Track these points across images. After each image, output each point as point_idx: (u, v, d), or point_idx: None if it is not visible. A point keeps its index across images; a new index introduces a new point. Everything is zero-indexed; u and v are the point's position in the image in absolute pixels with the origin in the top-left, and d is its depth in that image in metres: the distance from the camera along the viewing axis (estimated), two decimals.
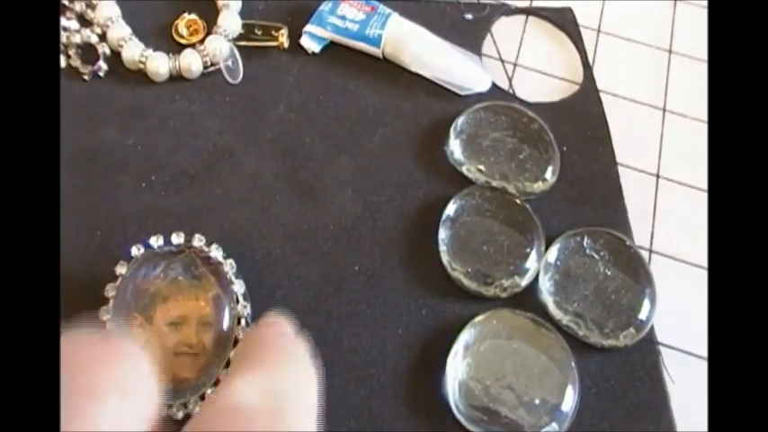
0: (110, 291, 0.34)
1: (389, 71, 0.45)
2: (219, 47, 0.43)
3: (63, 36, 0.43)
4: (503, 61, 0.47)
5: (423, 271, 0.38)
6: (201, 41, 0.44)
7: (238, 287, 0.35)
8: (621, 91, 0.46)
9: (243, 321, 0.34)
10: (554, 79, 0.46)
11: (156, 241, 0.35)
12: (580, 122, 0.44)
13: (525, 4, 0.49)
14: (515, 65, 0.47)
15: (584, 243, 0.39)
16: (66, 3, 0.44)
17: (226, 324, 0.34)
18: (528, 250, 0.38)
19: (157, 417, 0.27)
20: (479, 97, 0.44)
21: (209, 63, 0.43)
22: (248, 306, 0.35)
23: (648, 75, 0.47)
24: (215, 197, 0.40)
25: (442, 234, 0.39)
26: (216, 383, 0.33)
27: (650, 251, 0.41)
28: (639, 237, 0.41)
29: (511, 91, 0.45)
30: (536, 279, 0.38)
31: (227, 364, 0.34)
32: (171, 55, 0.43)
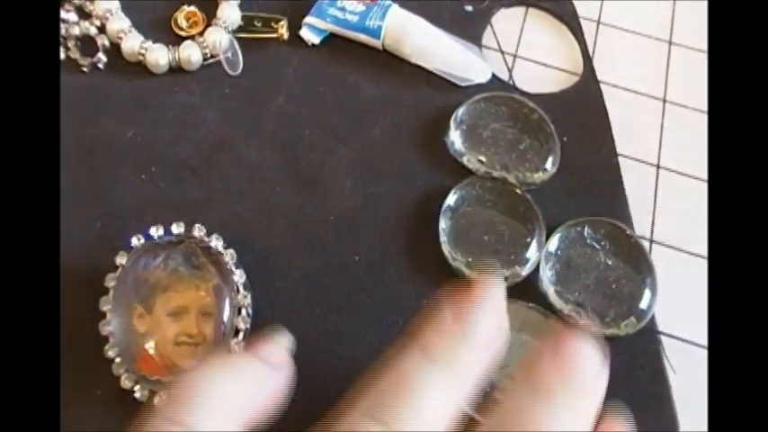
0: (110, 281, 0.34)
1: (389, 63, 0.45)
2: (219, 39, 0.43)
3: (62, 28, 0.43)
4: (503, 52, 0.47)
5: (423, 261, 0.38)
6: (201, 33, 0.44)
7: (239, 277, 0.35)
8: (621, 82, 0.46)
9: (243, 311, 0.34)
10: (554, 70, 0.46)
11: (156, 231, 0.35)
12: (580, 113, 0.44)
13: None
14: (515, 56, 0.47)
15: (585, 233, 0.39)
16: None
17: (226, 314, 0.34)
18: (528, 240, 0.38)
19: None
20: (479, 88, 0.44)
21: (208, 55, 0.43)
22: (249, 296, 0.35)
23: (648, 66, 0.47)
24: (215, 189, 0.40)
25: (443, 224, 0.38)
26: None
27: (651, 241, 0.41)
28: (640, 227, 0.41)
29: (511, 82, 0.45)
30: (537, 269, 0.38)
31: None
32: (170, 47, 0.43)
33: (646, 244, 0.40)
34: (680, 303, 0.38)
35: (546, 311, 0.37)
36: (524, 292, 0.38)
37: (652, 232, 0.41)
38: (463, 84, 0.44)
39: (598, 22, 0.49)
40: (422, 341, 0.25)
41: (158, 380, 0.33)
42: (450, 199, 0.39)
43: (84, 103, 0.42)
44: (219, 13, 0.44)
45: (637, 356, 0.37)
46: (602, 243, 0.39)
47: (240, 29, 0.45)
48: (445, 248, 0.38)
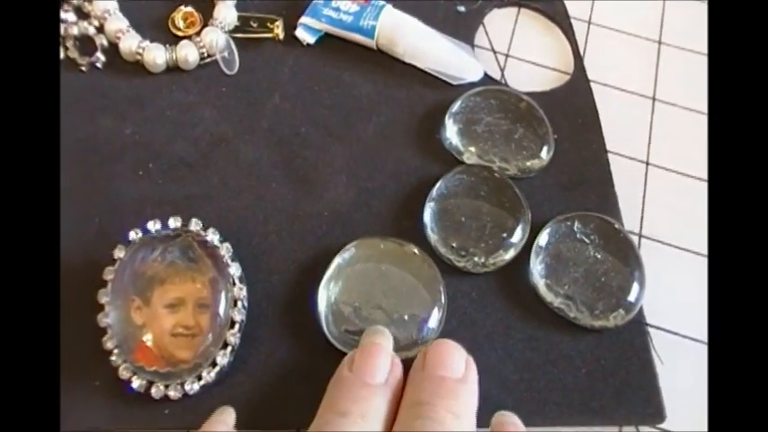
0: (108, 274, 0.35)
1: (383, 62, 0.45)
2: (216, 38, 0.44)
3: (61, 28, 0.44)
4: (495, 52, 0.47)
5: None
6: (198, 33, 0.45)
7: (234, 270, 0.35)
8: (612, 81, 0.47)
9: (239, 303, 0.35)
10: (545, 69, 0.47)
11: (153, 226, 0.36)
12: (571, 111, 0.45)
13: None
14: (507, 55, 0.47)
15: (575, 227, 0.40)
16: None
17: (222, 306, 0.34)
18: (513, 225, 0.39)
19: None
20: (472, 87, 0.44)
21: (205, 54, 0.44)
22: (244, 289, 0.35)
23: (638, 65, 0.48)
24: (212, 185, 0.40)
25: (428, 210, 0.40)
26: (213, 364, 0.34)
27: (640, 235, 0.41)
28: (629, 222, 0.41)
29: (503, 81, 0.46)
30: (527, 260, 0.39)
31: (224, 345, 0.34)
32: (168, 46, 0.44)
33: (635, 239, 0.41)
34: (667, 296, 0.39)
35: (402, 241, 0.38)
36: (515, 283, 0.39)
37: (641, 227, 0.42)
38: (456, 82, 0.45)
39: (589, 23, 0.49)
40: (327, 399, 0.30)
41: (156, 371, 0.34)
42: (436, 187, 0.40)
43: (82, 101, 0.43)
44: (216, 13, 0.45)
45: (625, 347, 0.37)
46: (592, 237, 0.39)
47: (236, 29, 0.46)
48: (431, 235, 0.39)
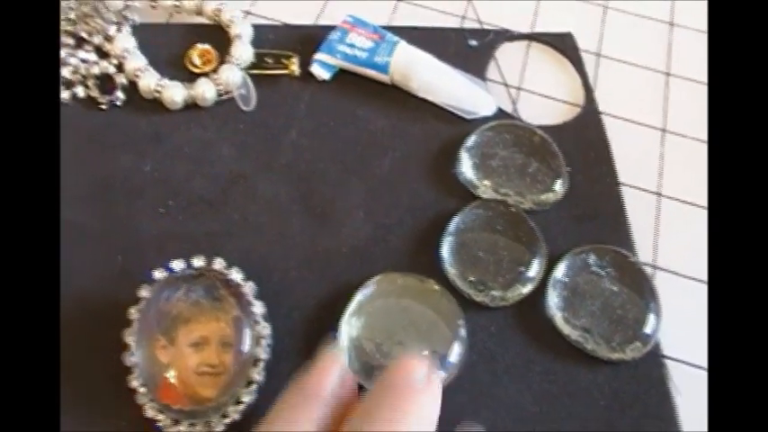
0: (133, 313, 0.36)
1: (397, 97, 0.46)
2: (232, 75, 0.45)
3: (82, 68, 0.45)
4: (507, 86, 0.48)
5: None
6: (215, 70, 0.46)
7: (258, 308, 0.36)
8: (622, 113, 0.48)
9: (263, 341, 0.35)
10: (556, 102, 0.48)
11: (177, 265, 0.36)
12: (583, 144, 0.45)
13: (527, 30, 0.51)
14: (519, 89, 0.48)
15: (591, 260, 0.40)
16: (85, 36, 0.46)
17: (246, 344, 0.35)
18: (529, 259, 0.40)
19: None
20: (485, 121, 0.45)
21: (222, 91, 0.45)
22: (268, 327, 0.36)
23: (647, 97, 0.49)
24: (232, 222, 0.41)
25: (445, 245, 0.40)
26: (237, 402, 0.34)
27: (654, 267, 0.42)
28: (643, 253, 0.42)
29: (515, 114, 0.47)
30: (544, 293, 0.39)
31: (249, 383, 0.35)
32: (185, 84, 0.44)
33: (649, 270, 0.41)
34: (684, 328, 0.39)
35: (422, 277, 0.39)
36: (532, 317, 0.39)
37: (655, 258, 0.42)
38: (469, 117, 0.45)
39: (598, 55, 0.50)
40: (271, 413, 0.29)
41: (181, 409, 0.34)
42: (453, 221, 0.41)
43: (102, 139, 0.43)
44: (232, 50, 0.46)
45: (643, 380, 0.38)
46: (607, 270, 0.40)
47: (252, 65, 0.46)
48: (449, 270, 0.40)
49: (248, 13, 0.50)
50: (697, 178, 0.45)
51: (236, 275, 0.36)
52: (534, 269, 0.40)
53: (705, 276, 0.42)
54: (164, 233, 0.40)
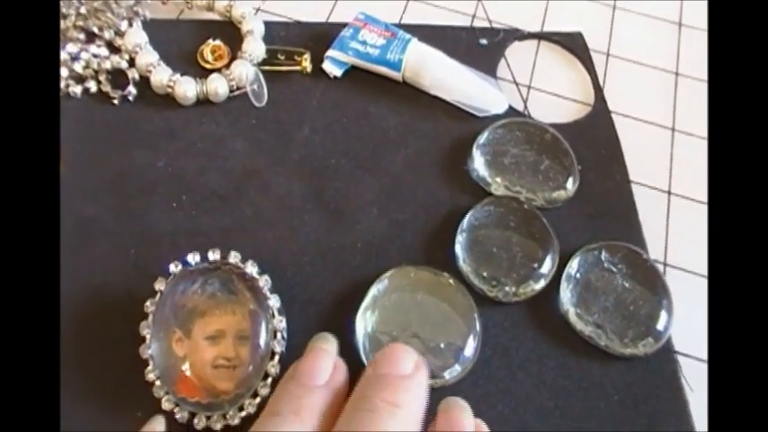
0: (149, 306, 0.36)
1: (409, 94, 0.46)
2: (245, 71, 0.45)
3: (94, 62, 0.45)
4: (517, 84, 0.48)
5: None
6: (227, 66, 0.46)
7: (274, 302, 0.36)
8: (631, 112, 0.48)
9: (279, 335, 0.36)
10: (567, 101, 0.48)
11: (193, 258, 0.36)
12: (594, 142, 0.46)
13: (537, 30, 0.51)
14: (529, 87, 0.48)
15: (603, 257, 0.40)
16: (97, 31, 0.46)
17: (262, 338, 0.35)
18: (542, 255, 0.40)
19: None
20: (496, 119, 0.45)
21: (234, 87, 0.45)
22: (284, 320, 0.36)
23: (657, 96, 0.49)
24: (245, 217, 0.41)
25: (459, 240, 0.40)
26: (254, 396, 0.34)
27: (665, 264, 0.42)
28: (654, 250, 0.42)
29: (526, 112, 0.47)
30: (557, 289, 0.40)
31: (265, 376, 0.35)
32: (198, 79, 0.45)
33: (660, 267, 0.42)
34: (695, 324, 0.40)
35: (436, 270, 0.39)
36: (545, 313, 0.39)
37: (666, 256, 0.42)
38: (481, 114, 0.46)
39: (608, 55, 0.51)
40: (268, 404, 0.30)
41: (198, 402, 0.34)
42: (466, 218, 0.41)
43: (115, 134, 0.43)
44: (245, 46, 0.46)
45: (656, 375, 0.38)
46: (619, 266, 0.40)
47: (264, 62, 0.46)
48: (463, 266, 0.40)
49: (259, 9, 0.50)
50: (706, 177, 0.45)
51: (251, 269, 0.36)
52: (547, 265, 0.40)
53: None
54: (177, 228, 0.40)
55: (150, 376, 0.35)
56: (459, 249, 0.40)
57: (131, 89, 0.45)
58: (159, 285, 0.36)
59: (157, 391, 0.34)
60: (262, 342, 0.35)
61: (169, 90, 0.44)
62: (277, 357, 0.35)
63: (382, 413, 0.28)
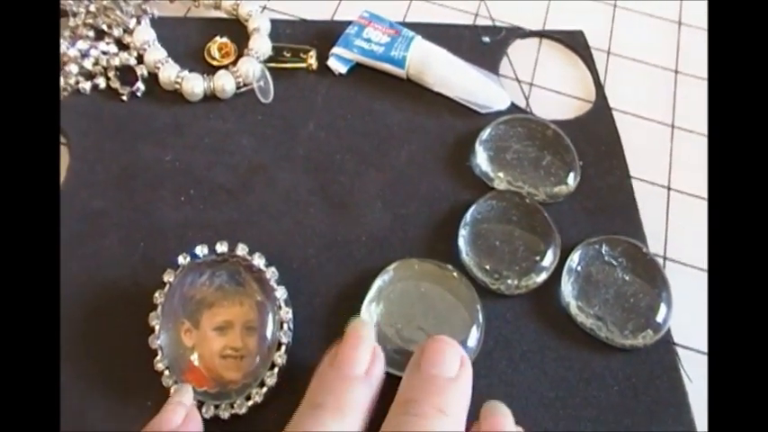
0: (158, 297, 0.36)
1: (413, 91, 0.47)
2: (251, 68, 0.45)
3: (103, 59, 0.45)
4: (519, 81, 0.49)
5: None
6: (234, 63, 0.46)
7: (281, 293, 0.37)
8: (632, 109, 0.48)
9: (285, 326, 0.36)
10: (568, 98, 0.49)
11: (201, 250, 0.37)
12: (594, 139, 0.46)
13: (539, 28, 0.52)
14: (531, 84, 0.49)
15: (603, 250, 0.41)
16: (105, 29, 0.47)
17: (269, 328, 0.36)
18: (544, 248, 0.41)
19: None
20: (498, 115, 0.46)
21: (241, 84, 0.46)
22: (290, 311, 0.37)
23: (656, 93, 0.50)
24: (252, 211, 0.42)
25: (462, 234, 0.41)
26: (261, 385, 0.35)
27: (664, 258, 0.43)
28: (653, 245, 0.43)
29: (528, 109, 0.47)
30: (558, 282, 0.40)
31: (272, 366, 0.35)
32: (205, 76, 0.45)
33: (660, 261, 0.42)
34: (693, 316, 0.40)
35: (440, 263, 0.39)
36: (547, 305, 0.40)
37: (665, 250, 0.43)
38: (483, 111, 0.46)
39: (608, 53, 0.51)
40: (307, 393, 0.31)
41: (206, 391, 0.35)
42: (469, 212, 0.42)
43: (124, 129, 0.44)
44: (251, 43, 0.47)
45: (655, 366, 0.39)
46: (620, 260, 0.41)
47: (270, 59, 0.47)
48: (466, 259, 0.40)
49: (265, 7, 0.51)
50: (704, 172, 0.46)
51: (258, 261, 0.37)
52: (548, 259, 0.41)
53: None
54: (184, 222, 0.41)
55: (159, 366, 0.35)
56: (462, 243, 0.41)
57: (140, 85, 0.45)
58: (168, 277, 0.37)
59: (166, 380, 0.35)
60: (269, 333, 0.35)
61: (177, 86, 0.45)
62: (284, 348, 0.36)
63: (431, 419, 0.29)
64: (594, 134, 0.46)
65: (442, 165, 0.44)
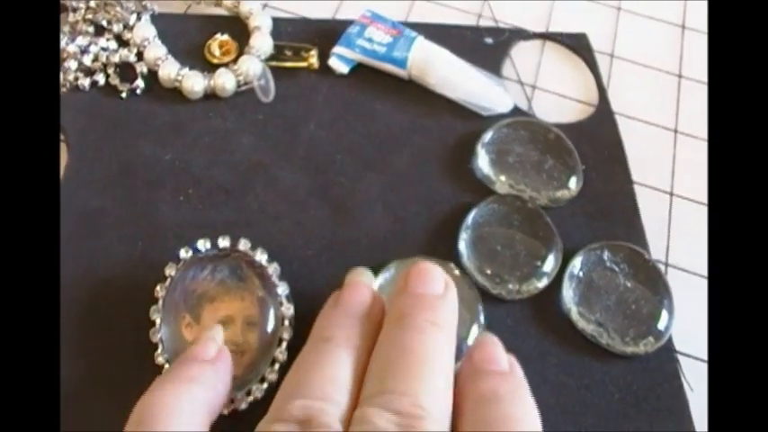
0: (159, 291, 0.37)
1: (414, 92, 0.48)
2: (252, 66, 0.47)
3: (102, 56, 0.47)
4: (522, 84, 0.50)
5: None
6: (234, 61, 0.47)
7: (282, 289, 0.38)
8: (635, 113, 0.50)
9: (286, 322, 0.37)
10: (571, 101, 0.50)
11: (203, 245, 0.38)
12: (597, 143, 0.47)
13: (542, 30, 0.53)
14: (534, 87, 0.50)
15: (605, 256, 0.42)
16: (105, 24, 0.48)
17: (271, 324, 0.37)
18: (545, 254, 0.42)
19: None
20: (501, 118, 0.47)
21: (242, 82, 0.47)
22: (291, 307, 0.38)
23: (660, 97, 0.51)
24: (251, 211, 0.43)
25: (463, 238, 0.42)
26: (262, 380, 0.36)
27: (666, 264, 0.44)
28: (655, 251, 0.44)
29: (531, 112, 0.49)
30: (559, 288, 0.41)
31: (273, 362, 0.36)
32: (206, 74, 0.46)
33: (661, 267, 0.43)
34: (696, 324, 0.42)
35: (443, 261, 0.41)
36: (548, 311, 0.41)
37: (667, 256, 0.44)
38: (486, 113, 0.47)
39: (612, 56, 0.53)
40: (314, 330, 0.33)
41: None
42: (471, 216, 0.43)
43: (123, 127, 0.45)
44: (252, 41, 0.48)
45: (656, 374, 0.40)
46: (621, 266, 0.42)
47: (271, 57, 0.48)
48: (466, 263, 0.41)
49: (266, 5, 0.52)
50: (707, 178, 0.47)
51: (260, 256, 0.38)
52: (550, 264, 0.42)
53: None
54: (183, 221, 0.42)
55: (160, 359, 0.36)
56: (462, 246, 0.42)
57: (139, 82, 0.46)
58: (170, 271, 0.38)
59: None
60: (269, 328, 0.37)
61: (177, 84, 0.46)
62: (284, 344, 0.37)
63: (427, 333, 0.30)
64: (597, 138, 0.48)
65: (443, 167, 0.45)
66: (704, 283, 0.43)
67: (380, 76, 0.49)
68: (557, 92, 0.51)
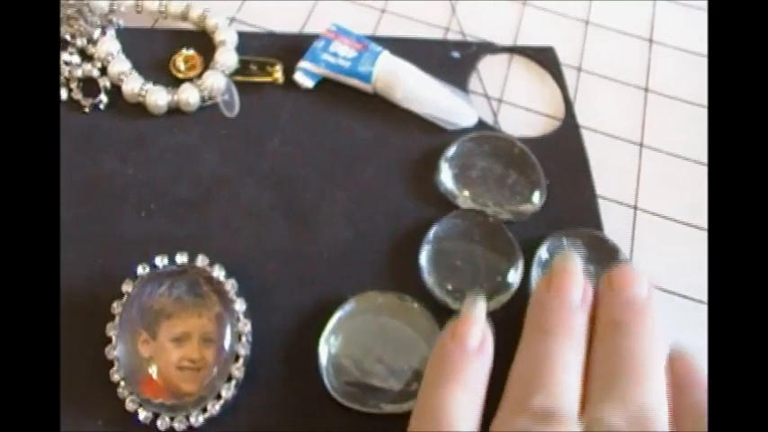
0: (116, 308, 0.39)
1: (380, 106, 0.50)
2: (217, 81, 0.48)
3: (65, 70, 0.48)
4: (488, 97, 0.52)
5: (411, 294, 0.42)
6: (199, 76, 0.49)
7: (240, 306, 0.39)
8: (600, 126, 0.52)
9: (243, 338, 0.39)
10: (537, 115, 0.52)
11: (161, 261, 0.40)
12: (562, 156, 0.49)
13: (510, 43, 0.55)
14: (500, 101, 0.52)
15: (565, 242, 0.45)
16: (69, 38, 0.50)
17: (227, 340, 0.38)
18: (507, 268, 0.44)
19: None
20: (466, 132, 0.49)
21: (206, 97, 0.49)
22: (249, 324, 0.39)
23: (626, 111, 0.53)
24: (213, 225, 0.45)
25: (424, 253, 0.44)
26: (218, 397, 0.38)
27: None
28: None
29: (496, 126, 0.51)
30: (518, 302, 0.43)
31: (229, 379, 0.38)
32: (170, 89, 0.48)
33: None
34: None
35: (401, 295, 0.42)
36: (512, 325, 0.42)
37: None
38: (450, 128, 0.49)
39: (579, 70, 0.55)
40: (531, 318, 0.37)
41: (162, 403, 0.37)
42: (432, 230, 0.45)
43: (85, 142, 0.47)
44: (217, 56, 0.50)
45: None
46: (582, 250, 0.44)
47: (236, 72, 0.50)
48: (427, 278, 0.43)
49: (233, 19, 0.54)
50: (673, 193, 0.49)
51: (218, 272, 0.40)
52: (511, 278, 0.44)
53: (677, 288, 0.45)
54: (145, 236, 0.44)
55: (115, 377, 0.38)
56: (423, 261, 0.44)
57: (102, 97, 0.48)
58: (127, 287, 0.39)
59: (122, 391, 0.38)
60: (226, 345, 0.38)
61: (140, 99, 0.48)
62: (241, 360, 0.39)
63: (646, 338, 0.34)
64: (562, 152, 0.50)
65: (407, 182, 0.47)
66: (668, 298, 0.45)
67: (345, 91, 0.51)
68: (523, 105, 0.53)
